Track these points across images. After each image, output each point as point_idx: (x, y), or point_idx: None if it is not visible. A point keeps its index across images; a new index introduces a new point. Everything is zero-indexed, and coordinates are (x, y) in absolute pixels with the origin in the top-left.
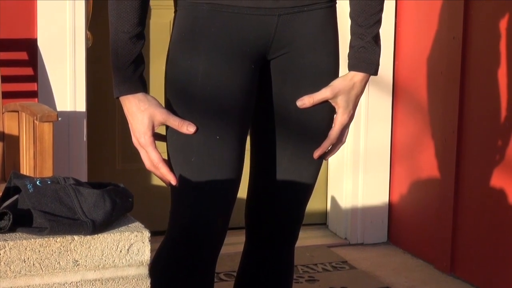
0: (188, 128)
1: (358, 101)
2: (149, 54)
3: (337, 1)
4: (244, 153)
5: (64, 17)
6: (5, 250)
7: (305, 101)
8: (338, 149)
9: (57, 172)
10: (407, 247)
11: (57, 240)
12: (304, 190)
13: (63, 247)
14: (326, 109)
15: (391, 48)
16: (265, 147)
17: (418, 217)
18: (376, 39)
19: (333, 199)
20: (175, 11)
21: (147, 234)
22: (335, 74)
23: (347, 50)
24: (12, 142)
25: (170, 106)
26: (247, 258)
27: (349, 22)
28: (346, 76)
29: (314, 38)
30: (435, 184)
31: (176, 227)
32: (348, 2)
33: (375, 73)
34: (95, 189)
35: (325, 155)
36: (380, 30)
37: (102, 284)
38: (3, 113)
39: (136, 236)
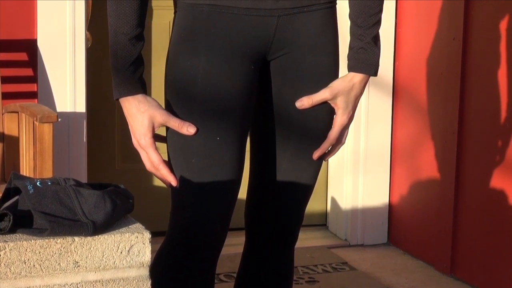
0: (188, 129)
1: (358, 102)
2: (150, 55)
3: (337, 1)
4: (244, 154)
5: (64, 18)
6: (5, 251)
7: (304, 102)
8: (337, 150)
9: (57, 173)
10: (407, 248)
11: (58, 241)
12: (304, 190)
13: (64, 248)
14: (326, 110)
15: (391, 49)
16: (265, 147)
17: (418, 218)
18: (376, 40)
19: (333, 200)
20: (175, 12)
21: (147, 235)
22: (335, 75)
23: (347, 51)
24: (12, 143)
25: (170, 107)
26: (247, 259)
27: (349, 22)
28: (346, 77)
29: (314, 39)
30: (435, 185)
31: (177, 227)
32: (347, 2)
33: (375, 74)
34: (96, 190)
35: (324, 156)
36: (380, 31)
37: (103, 285)
38: (3, 114)
39: (137, 237)
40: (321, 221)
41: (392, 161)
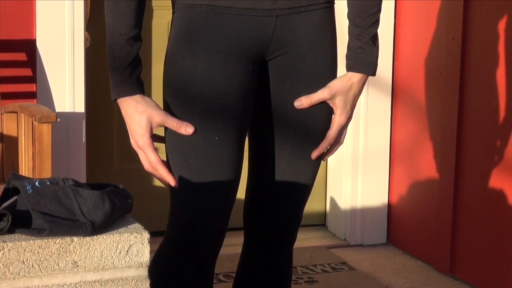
0: (186, 129)
1: (356, 102)
2: (150, 55)
3: (335, 1)
4: (242, 154)
5: (63, 18)
6: (4, 252)
7: (303, 102)
8: (336, 150)
9: (55, 173)
10: (406, 248)
11: (56, 242)
12: (303, 190)
13: (62, 248)
14: (324, 110)
15: (390, 48)
16: (263, 147)
17: (418, 218)
18: (374, 39)
19: (332, 200)
20: (173, 12)
21: (146, 235)
22: (333, 75)
23: (346, 51)
24: (10, 143)
25: (168, 107)
26: (246, 259)
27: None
28: (344, 77)
29: (312, 39)
30: (434, 185)
31: (175, 227)
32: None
33: (373, 73)
34: (95, 190)
35: (322, 156)
36: (379, 31)
37: (102, 285)
38: (1, 114)
39: (136, 237)
40: (320, 221)
41: (391, 161)
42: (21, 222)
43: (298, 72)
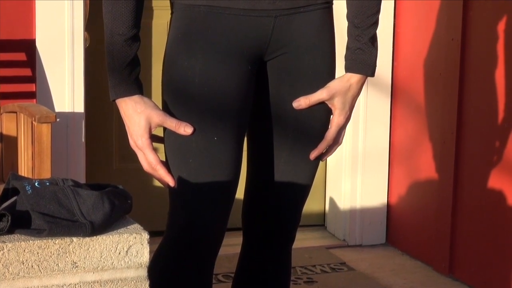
0: (185, 130)
1: (355, 103)
2: (150, 55)
3: (334, 1)
4: (241, 154)
5: (63, 18)
6: (3, 252)
7: (301, 102)
8: (334, 151)
9: (55, 173)
10: (405, 248)
11: (56, 242)
12: (301, 191)
13: (62, 249)
14: (323, 110)
15: (389, 49)
16: (262, 148)
17: (417, 219)
18: (373, 40)
19: (331, 200)
20: (172, 13)
21: (145, 236)
22: (331, 75)
23: (344, 51)
24: (10, 143)
25: (167, 107)
26: (245, 259)
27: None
28: (343, 77)
29: (311, 39)
30: (433, 186)
31: (175, 228)
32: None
33: (372, 74)
34: (94, 191)
35: (321, 156)
36: (379, 31)
37: (101, 286)
38: (1, 114)
39: (135, 238)
40: (320, 221)
41: (391, 161)
42: (20, 223)
43: (297, 73)
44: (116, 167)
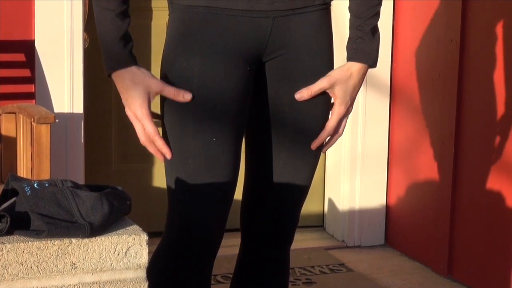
0: (184, 96)
1: (356, 94)
2: (150, 55)
3: (332, 3)
4: (240, 155)
5: (62, 19)
6: (3, 253)
7: (303, 94)
8: (335, 141)
9: (54, 174)
10: (404, 249)
11: (55, 243)
12: (300, 191)
13: (61, 250)
14: (322, 111)
15: (388, 49)
16: (260, 148)
17: (416, 220)
18: (374, 31)
19: (330, 201)
20: (170, 14)
21: (144, 237)
22: None
23: (344, 52)
24: (9, 144)
25: (165, 107)
26: (243, 260)
27: (347, 24)
28: (344, 66)
29: (309, 40)
30: (432, 187)
31: (173, 228)
32: (345, 4)
33: (374, 64)
34: (93, 192)
35: (322, 147)
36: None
37: (100, 287)
38: (0, 115)
39: (134, 239)
40: (318, 222)
41: (390, 162)
42: (19, 224)
43: (295, 74)
44: (115, 168)
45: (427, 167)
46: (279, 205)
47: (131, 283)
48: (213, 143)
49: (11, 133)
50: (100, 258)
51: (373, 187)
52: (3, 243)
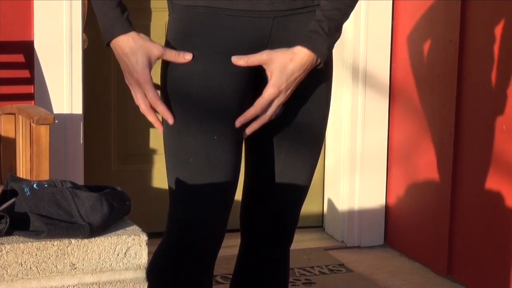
0: (185, 57)
1: (294, 81)
2: None
3: None
4: (240, 155)
5: (61, 19)
6: (2, 254)
7: (240, 60)
8: (261, 122)
9: (53, 175)
10: (404, 250)
11: (54, 244)
12: (299, 191)
13: (60, 250)
14: (322, 112)
15: (388, 50)
16: (260, 148)
17: (415, 220)
18: (336, 30)
19: (329, 201)
20: (170, 14)
21: (144, 237)
22: (328, 75)
23: (344, 53)
24: (8, 145)
25: (164, 91)
26: (243, 260)
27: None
28: (290, 48)
29: None
30: (432, 187)
31: (174, 228)
32: None
33: (320, 57)
34: (93, 193)
35: (246, 127)
36: (377, 32)
37: (99, 287)
38: None
39: (134, 239)
40: (318, 223)
41: (389, 162)
42: (19, 224)
43: None
44: (115, 168)
45: (427, 168)
46: (279, 205)
47: (130, 284)
48: (214, 141)
49: (10, 134)
50: (99, 258)
51: (373, 188)
52: (2, 243)
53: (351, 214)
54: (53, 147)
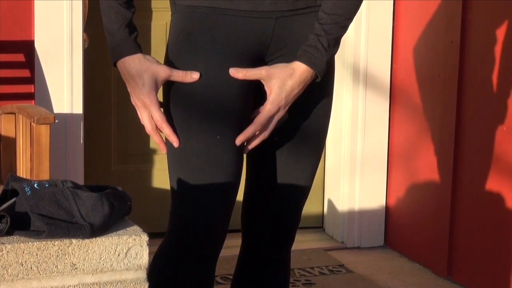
0: (192, 76)
1: (293, 97)
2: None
3: None
4: (242, 155)
5: (62, 19)
6: (3, 254)
7: (239, 72)
8: (262, 138)
9: (53, 174)
10: (404, 251)
11: (55, 244)
12: (301, 192)
13: (61, 250)
14: (323, 113)
15: (388, 51)
16: (262, 149)
17: (415, 221)
18: (335, 43)
19: (330, 202)
20: (172, 14)
21: (145, 237)
22: (330, 75)
23: (344, 53)
24: (8, 144)
25: (168, 108)
26: (244, 260)
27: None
28: (289, 64)
29: None
30: (432, 188)
31: (176, 228)
32: None
33: (318, 73)
34: (93, 193)
35: (248, 143)
36: (378, 33)
37: (100, 287)
38: None
39: (134, 239)
40: (318, 224)
41: (389, 163)
42: (19, 224)
43: None
44: (115, 168)
45: (427, 169)
46: (281, 205)
47: (131, 284)
48: (217, 141)
49: (11, 133)
50: (100, 258)
51: (373, 188)
52: (3, 243)
53: (351, 215)
54: (53, 146)
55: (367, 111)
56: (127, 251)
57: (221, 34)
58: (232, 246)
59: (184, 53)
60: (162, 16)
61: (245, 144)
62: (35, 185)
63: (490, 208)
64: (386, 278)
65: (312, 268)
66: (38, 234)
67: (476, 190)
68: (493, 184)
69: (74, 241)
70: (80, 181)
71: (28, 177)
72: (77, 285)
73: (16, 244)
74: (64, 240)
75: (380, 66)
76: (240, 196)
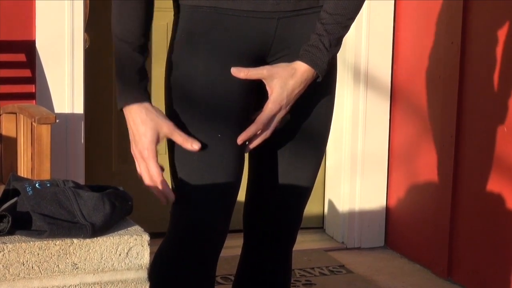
0: (193, 145)
1: (294, 97)
2: (150, 56)
3: None
4: (243, 155)
5: (63, 19)
6: (4, 253)
7: (241, 72)
8: (263, 137)
9: (54, 174)
10: (404, 251)
11: (56, 243)
12: (302, 192)
13: (62, 250)
14: (325, 113)
15: (389, 51)
16: (263, 149)
17: (416, 222)
18: (337, 43)
19: (330, 202)
20: (175, 14)
21: (146, 237)
22: (332, 75)
23: (345, 54)
24: (9, 144)
25: (170, 107)
26: (245, 259)
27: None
28: (291, 64)
29: None
30: (432, 189)
31: (177, 227)
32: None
33: (320, 73)
34: (95, 192)
35: (249, 142)
36: (379, 34)
37: (101, 287)
38: (0, 115)
39: (136, 239)
40: (318, 224)
41: (390, 164)
42: (21, 224)
43: None
44: (116, 168)
45: (428, 169)
46: (282, 205)
47: (132, 284)
48: (218, 140)
49: (12, 133)
50: (101, 258)
51: (373, 189)
52: (4, 243)
53: (352, 216)
54: (54, 146)
55: (368, 112)
56: (128, 251)
57: (223, 34)
58: (232, 247)
59: (186, 53)
60: (163, 16)
61: (247, 143)
62: (37, 185)
63: (490, 209)
64: (387, 278)
65: (313, 268)
66: (39, 234)
67: (477, 191)
68: (493, 185)
69: (75, 240)
70: (81, 181)
71: (29, 177)
72: (78, 284)
73: (17, 244)
74: (66, 239)
75: (381, 66)
76: (241, 196)
